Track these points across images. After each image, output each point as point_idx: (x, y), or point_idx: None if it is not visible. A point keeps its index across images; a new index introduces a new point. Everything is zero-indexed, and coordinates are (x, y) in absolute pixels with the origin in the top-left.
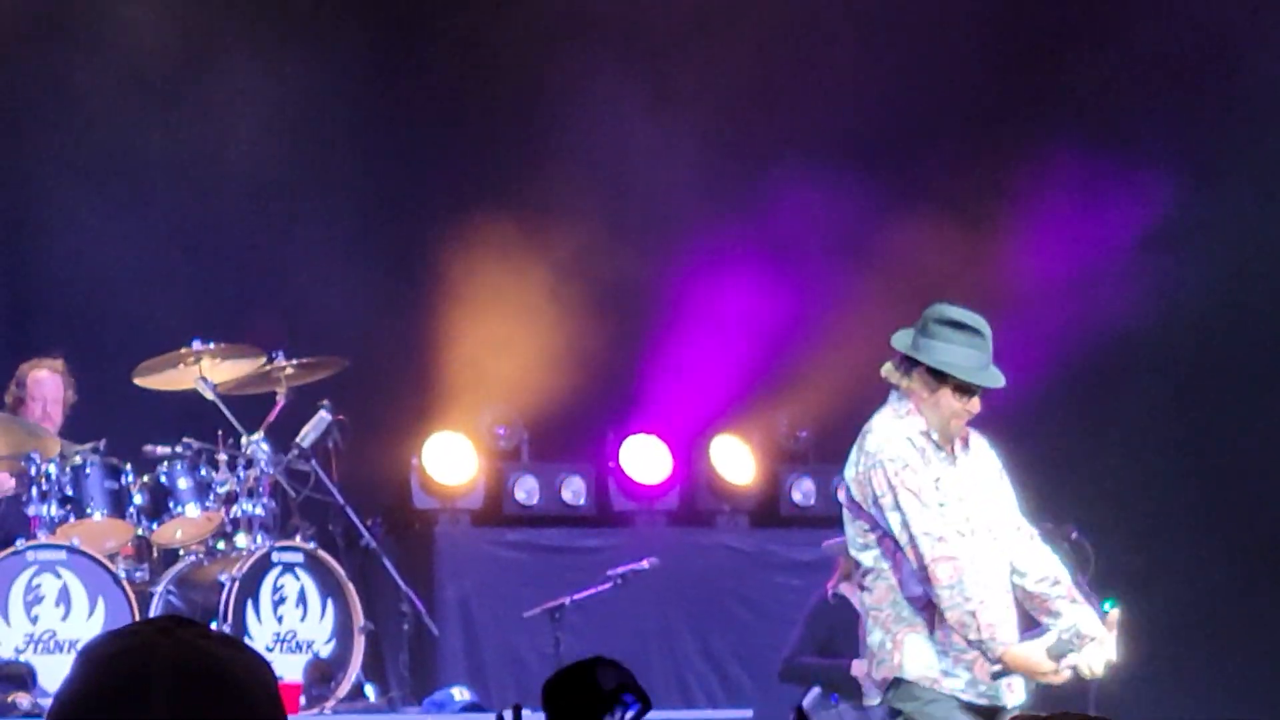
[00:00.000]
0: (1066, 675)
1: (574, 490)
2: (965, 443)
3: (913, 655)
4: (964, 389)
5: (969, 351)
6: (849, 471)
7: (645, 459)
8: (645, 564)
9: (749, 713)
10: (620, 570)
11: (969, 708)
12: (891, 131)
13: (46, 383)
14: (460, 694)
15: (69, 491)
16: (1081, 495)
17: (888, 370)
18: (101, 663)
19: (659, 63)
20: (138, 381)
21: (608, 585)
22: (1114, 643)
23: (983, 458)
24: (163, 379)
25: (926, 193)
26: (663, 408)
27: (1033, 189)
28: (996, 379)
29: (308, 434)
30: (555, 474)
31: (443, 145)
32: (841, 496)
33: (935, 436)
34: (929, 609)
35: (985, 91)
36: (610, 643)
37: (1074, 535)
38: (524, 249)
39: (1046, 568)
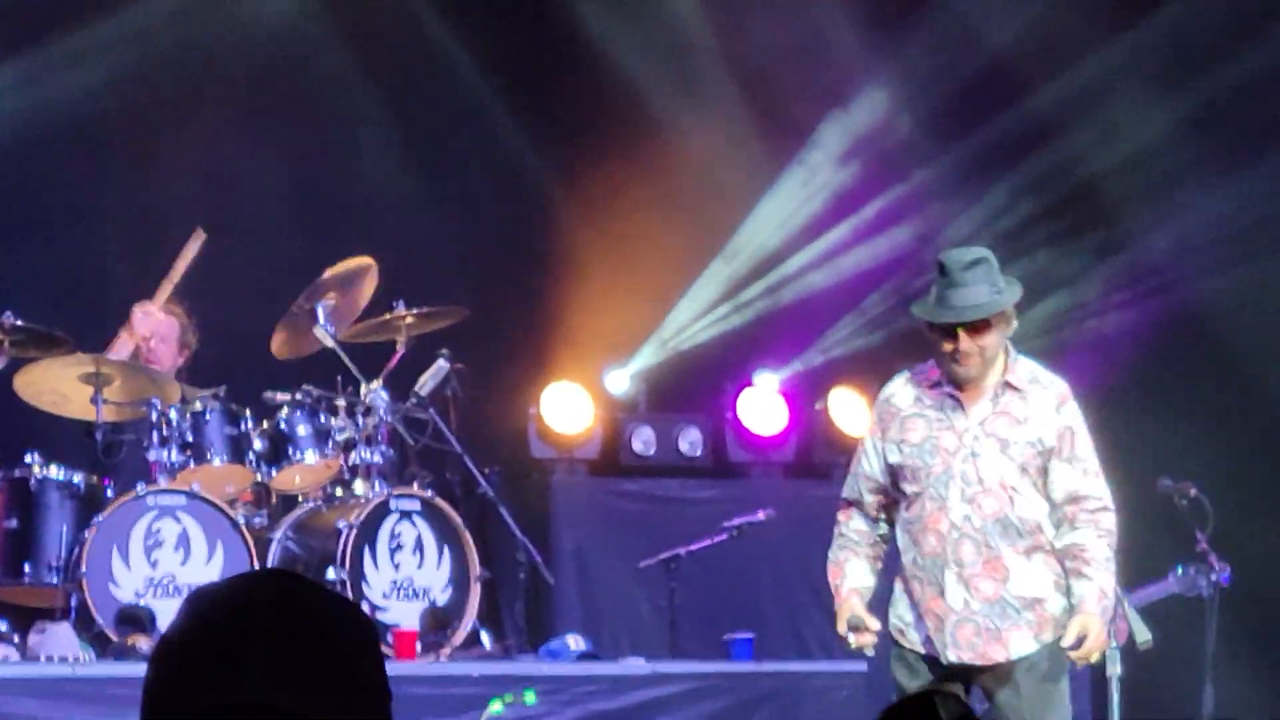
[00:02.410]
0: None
1: (691, 441)
2: (999, 391)
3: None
4: (938, 330)
5: (934, 290)
6: None
7: (763, 410)
8: (761, 516)
9: (864, 665)
10: (736, 522)
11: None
12: None
13: (150, 320)
14: (575, 643)
15: (189, 437)
16: (1204, 452)
17: None
18: (205, 607)
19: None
20: (275, 352)
21: (723, 537)
22: (1111, 630)
23: (1015, 411)
24: (292, 345)
25: None
26: (780, 359)
27: None
28: (946, 314)
29: (426, 382)
30: (672, 424)
31: (564, 92)
32: None
33: (948, 386)
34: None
35: None
36: (725, 595)
37: (1193, 492)
38: (643, 199)
39: (1062, 539)
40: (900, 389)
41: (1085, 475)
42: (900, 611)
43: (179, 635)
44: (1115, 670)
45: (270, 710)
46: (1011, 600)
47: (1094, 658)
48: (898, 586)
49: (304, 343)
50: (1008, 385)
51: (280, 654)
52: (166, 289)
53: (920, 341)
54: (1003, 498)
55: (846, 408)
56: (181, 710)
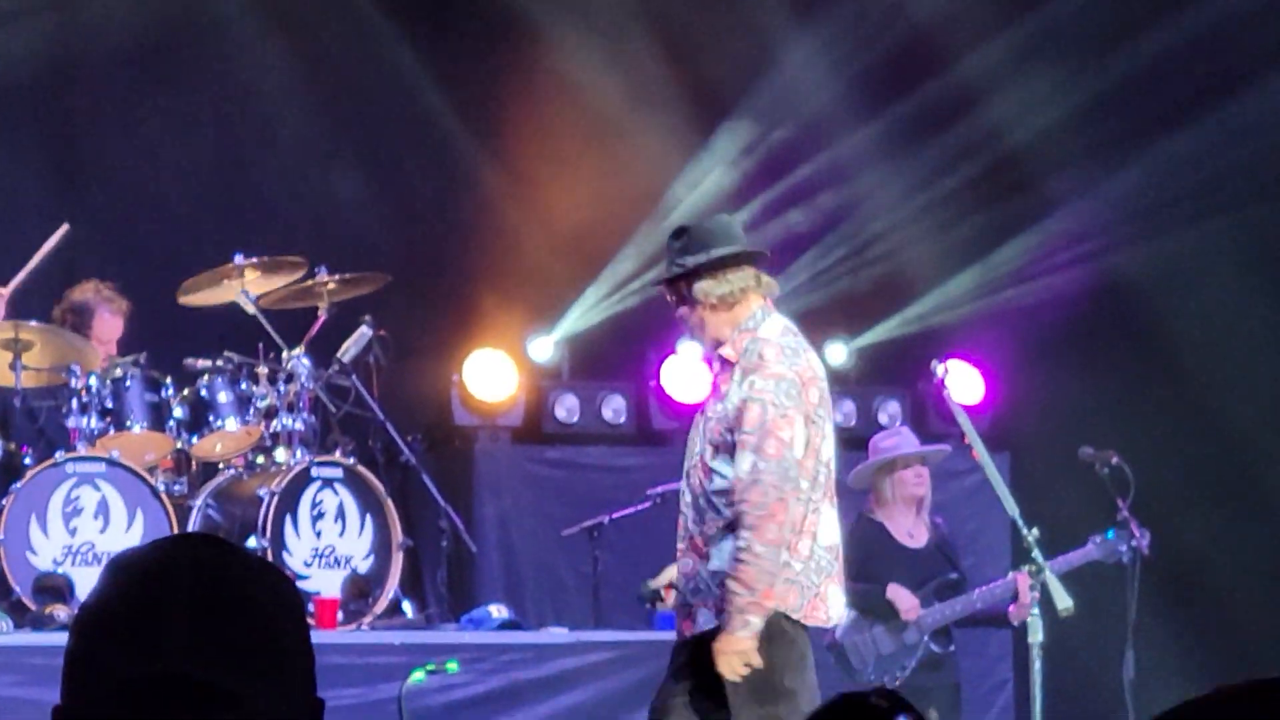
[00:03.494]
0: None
1: (614, 408)
2: (716, 364)
3: None
4: None
5: None
6: None
7: (686, 378)
8: None
9: None
10: (660, 489)
11: None
12: None
13: (113, 325)
14: (498, 611)
15: (109, 404)
16: (1125, 420)
17: None
18: (125, 575)
19: None
20: (182, 301)
21: (647, 504)
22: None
23: (722, 385)
24: (206, 295)
25: None
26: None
27: None
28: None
29: (349, 349)
30: (596, 392)
31: (488, 57)
32: None
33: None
34: None
35: None
36: (648, 562)
37: (1115, 460)
38: (569, 164)
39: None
40: None
41: (742, 453)
42: None
43: (100, 603)
44: (1037, 637)
45: (191, 682)
46: (705, 577)
47: (730, 666)
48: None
49: (217, 294)
50: (722, 359)
51: (202, 622)
52: (21, 276)
53: (842, 312)
54: (702, 475)
55: None
56: (103, 680)
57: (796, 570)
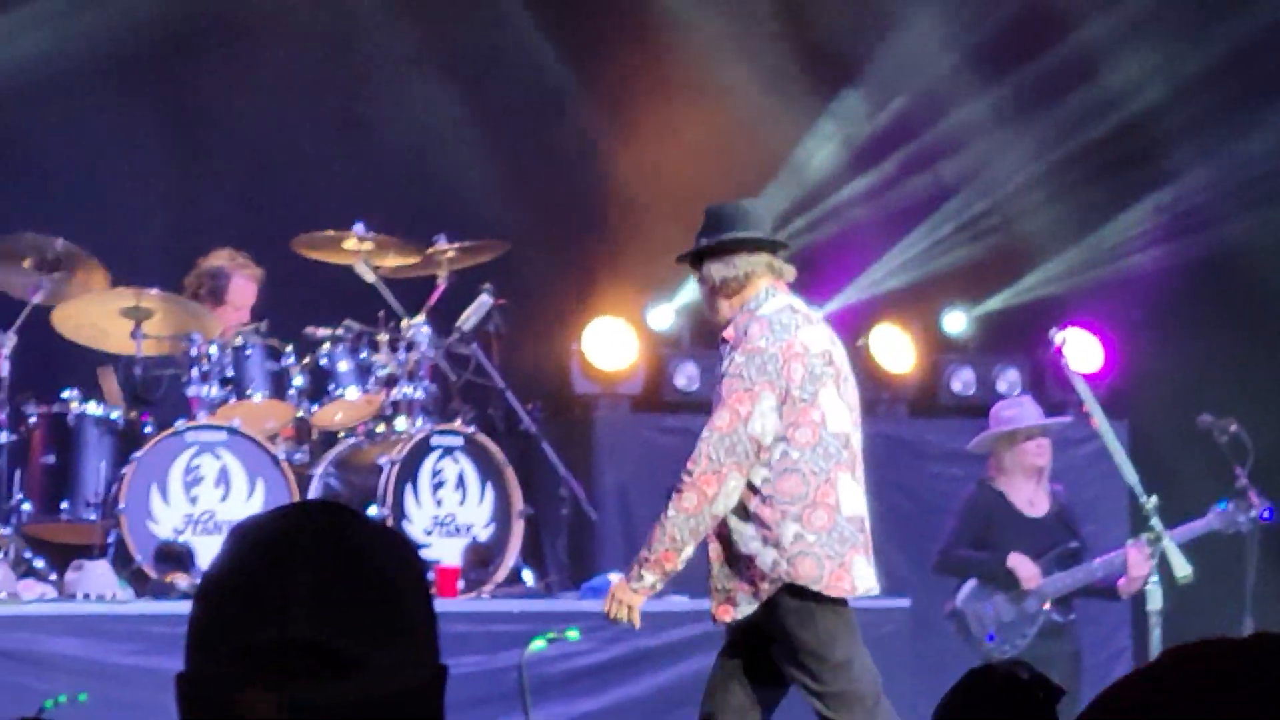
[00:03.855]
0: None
1: None
2: (720, 344)
3: None
4: None
5: None
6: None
7: None
8: None
9: (907, 601)
10: None
11: None
12: None
13: (248, 291)
14: (617, 579)
15: (230, 373)
16: (1245, 388)
17: None
18: (248, 542)
19: None
20: (297, 249)
21: None
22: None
23: (722, 365)
24: (323, 253)
25: None
26: (823, 294)
27: None
28: None
29: (469, 318)
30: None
31: (611, 26)
32: None
33: None
34: None
35: None
36: None
37: (1234, 428)
38: (689, 132)
39: None
40: None
41: (708, 426)
42: None
43: (222, 570)
44: (1156, 605)
45: (315, 647)
46: (727, 561)
47: (619, 615)
48: None
49: (333, 256)
50: (722, 339)
51: (325, 587)
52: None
53: (961, 280)
54: None
55: (889, 344)
56: (226, 647)
57: (810, 541)
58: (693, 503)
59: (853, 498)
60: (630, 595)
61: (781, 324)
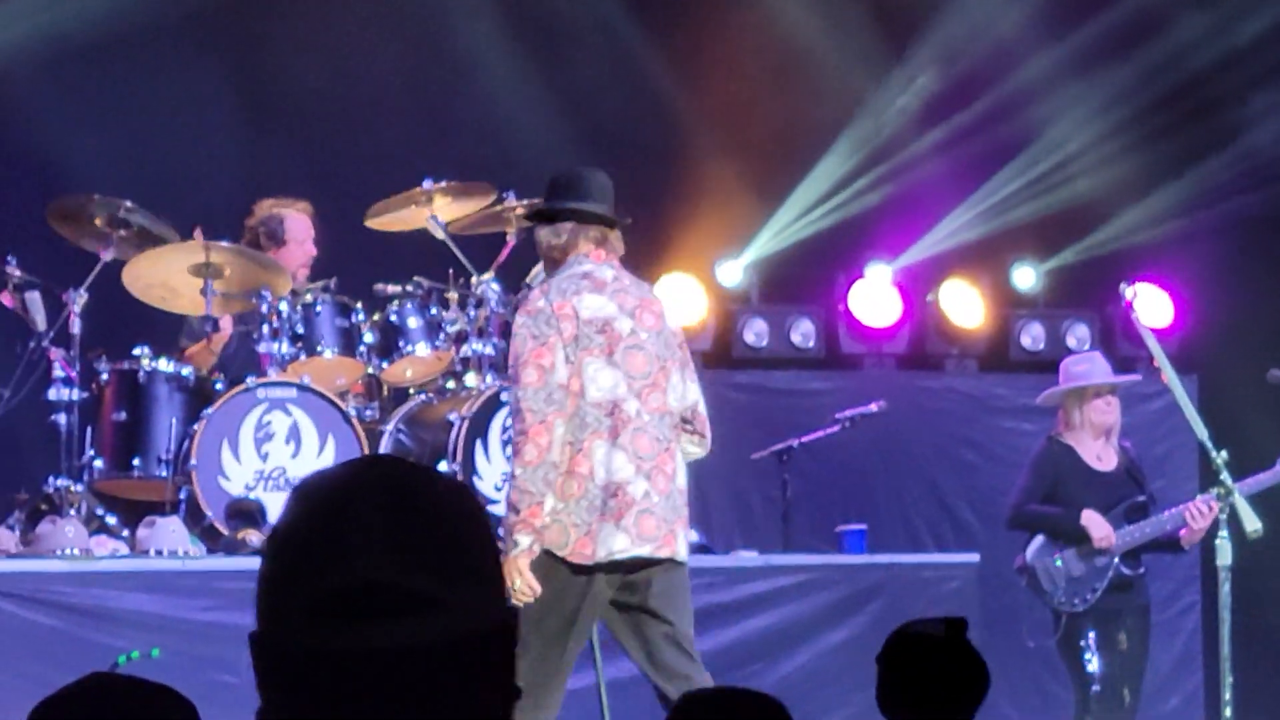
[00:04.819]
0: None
1: (803, 333)
2: None
3: None
4: None
5: None
6: None
7: (875, 302)
8: (874, 407)
9: (976, 557)
10: (848, 413)
11: None
12: None
13: (304, 225)
14: (688, 535)
15: (300, 329)
16: None
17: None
18: (315, 494)
19: None
20: (370, 224)
21: (836, 428)
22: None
23: None
24: (394, 220)
25: None
26: (893, 250)
27: None
28: None
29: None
30: (784, 316)
31: None
32: None
33: None
34: None
35: None
36: (837, 486)
37: None
38: (757, 88)
39: None
40: None
41: (511, 389)
42: None
43: (290, 523)
44: (1225, 560)
45: (391, 587)
46: None
47: (514, 584)
48: None
49: (404, 219)
50: None
51: (396, 531)
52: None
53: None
54: None
55: (959, 299)
56: (297, 599)
57: (559, 508)
58: (533, 455)
59: (605, 465)
60: (512, 564)
61: (560, 289)
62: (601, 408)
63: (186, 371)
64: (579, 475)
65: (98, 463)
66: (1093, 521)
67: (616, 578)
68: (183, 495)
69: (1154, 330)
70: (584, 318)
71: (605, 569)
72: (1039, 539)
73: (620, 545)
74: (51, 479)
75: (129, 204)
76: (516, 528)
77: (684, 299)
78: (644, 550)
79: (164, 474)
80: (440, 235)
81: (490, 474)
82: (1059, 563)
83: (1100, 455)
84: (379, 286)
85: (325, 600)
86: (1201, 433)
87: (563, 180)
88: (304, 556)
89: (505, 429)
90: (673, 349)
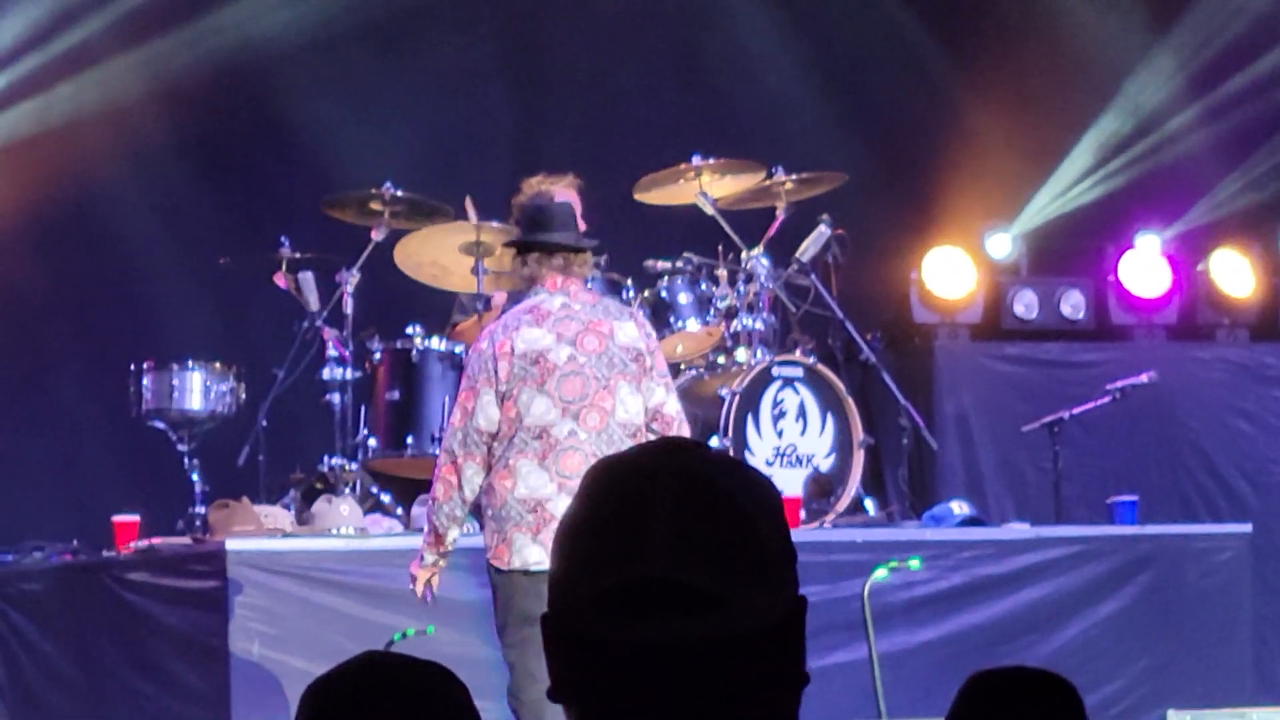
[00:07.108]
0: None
1: (1073, 304)
2: None
3: None
4: None
5: None
6: None
7: (1145, 272)
8: (1144, 378)
9: (1249, 527)
10: (1119, 384)
11: None
12: None
13: (572, 199)
14: (959, 508)
15: None
16: None
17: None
18: (607, 482)
19: None
20: (638, 197)
21: (1107, 399)
22: None
23: None
24: (662, 194)
25: None
26: (1163, 220)
27: None
28: None
29: (807, 249)
30: (1054, 288)
31: None
32: None
33: None
34: None
35: None
36: (1108, 458)
37: None
38: (1026, 59)
39: None
40: None
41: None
42: None
43: (580, 514)
44: None
45: (676, 585)
46: None
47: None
48: None
49: (672, 194)
50: None
51: (685, 527)
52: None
53: None
54: None
55: (1229, 269)
56: (585, 588)
57: (488, 516)
58: (441, 492)
59: (531, 483)
60: (420, 571)
61: (505, 325)
62: (530, 432)
63: (459, 349)
64: (501, 488)
65: (371, 441)
66: None
67: (536, 586)
68: None
69: None
70: (519, 352)
71: (522, 575)
72: None
73: (535, 558)
74: (326, 458)
75: (388, 185)
76: (426, 546)
77: (953, 271)
78: (544, 563)
79: (437, 452)
80: (710, 211)
81: (761, 449)
82: None
83: None
84: (649, 263)
85: (611, 592)
86: None
87: (529, 214)
88: (596, 546)
89: (776, 403)
90: (621, 364)
